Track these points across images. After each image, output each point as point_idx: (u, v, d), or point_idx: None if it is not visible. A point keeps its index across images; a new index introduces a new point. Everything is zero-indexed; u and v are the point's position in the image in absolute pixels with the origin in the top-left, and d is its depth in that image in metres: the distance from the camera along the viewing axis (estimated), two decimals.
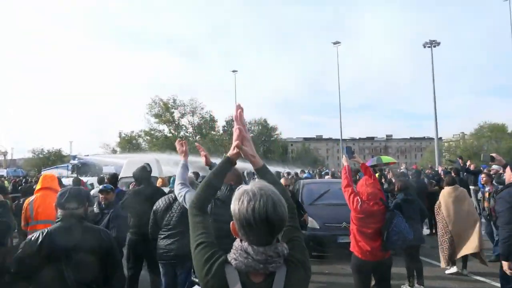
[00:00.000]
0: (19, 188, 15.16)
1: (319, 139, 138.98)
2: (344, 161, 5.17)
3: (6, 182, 19.70)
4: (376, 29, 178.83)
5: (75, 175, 42.43)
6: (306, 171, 15.24)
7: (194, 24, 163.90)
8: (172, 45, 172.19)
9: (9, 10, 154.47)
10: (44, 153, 78.49)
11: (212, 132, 49.18)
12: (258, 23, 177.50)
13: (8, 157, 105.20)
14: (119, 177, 15.35)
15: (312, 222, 8.15)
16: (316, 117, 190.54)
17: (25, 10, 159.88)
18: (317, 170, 14.93)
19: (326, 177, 14.05)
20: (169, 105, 47.59)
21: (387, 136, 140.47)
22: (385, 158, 12.56)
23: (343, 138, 44.44)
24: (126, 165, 15.93)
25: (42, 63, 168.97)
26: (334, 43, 33.44)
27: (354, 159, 5.44)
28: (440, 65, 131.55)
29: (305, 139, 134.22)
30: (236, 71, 42.90)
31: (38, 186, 5.04)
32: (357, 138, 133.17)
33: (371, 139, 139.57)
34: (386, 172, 11.11)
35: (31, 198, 5.03)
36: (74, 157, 54.62)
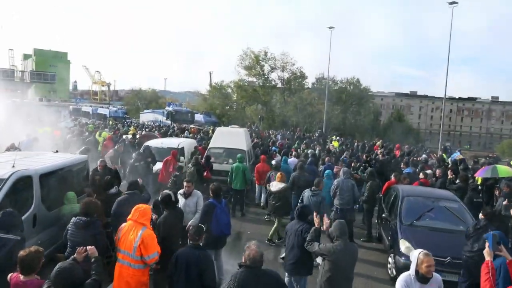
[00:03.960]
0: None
1: (412, 95, 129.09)
2: (486, 254, 4.13)
3: (104, 133, 19.97)
4: None
5: (169, 121, 45.36)
6: (408, 166, 13.68)
7: None
8: None
9: None
10: (142, 91, 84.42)
11: (301, 88, 48.01)
12: None
13: (111, 88, 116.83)
14: (209, 147, 15.69)
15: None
16: (411, 70, 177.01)
17: None
18: (419, 167, 13.36)
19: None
20: (260, 58, 47.07)
21: (492, 98, 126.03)
22: (503, 171, 10.72)
23: (439, 96, 40.61)
24: (215, 136, 16.13)
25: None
26: (450, 3, 29.34)
27: (500, 253, 4.31)
28: None
29: (397, 94, 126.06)
30: (333, 27, 40.23)
31: (130, 215, 5.05)
32: (457, 97, 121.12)
33: (472, 99, 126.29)
34: (504, 188, 9.47)
35: (123, 225, 5.13)
36: (170, 104, 58.21)
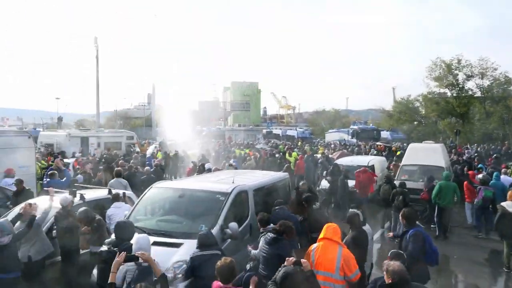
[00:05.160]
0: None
1: None
2: None
3: (294, 153, 21.64)
4: None
5: (354, 140, 45.32)
6: None
7: None
8: None
9: None
10: (325, 112, 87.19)
11: (506, 96, 41.09)
12: None
13: (296, 111, 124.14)
14: (402, 164, 15.07)
15: None
16: None
17: None
18: None
19: None
20: (453, 67, 42.57)
21: None
22: None
23: None
24: (408, 152, 15.47)
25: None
26: None
27: None
28: None
29: None
30: None
31: (321, 235, 5.06)
32: None
33: None
34: None
35: (314, 245, 5.10)
36: (354, 123, 58.42)
